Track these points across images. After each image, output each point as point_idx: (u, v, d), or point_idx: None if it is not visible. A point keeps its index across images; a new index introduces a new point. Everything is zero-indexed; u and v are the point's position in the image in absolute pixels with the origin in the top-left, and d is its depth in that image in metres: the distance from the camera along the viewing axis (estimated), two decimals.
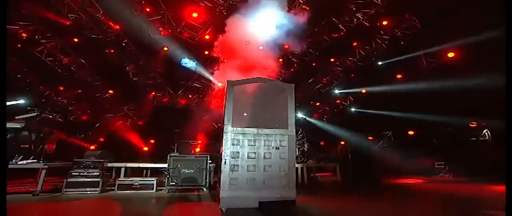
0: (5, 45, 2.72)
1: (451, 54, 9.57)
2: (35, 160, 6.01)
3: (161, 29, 9.06)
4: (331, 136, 12.92)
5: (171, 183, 6.42)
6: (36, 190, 5.71)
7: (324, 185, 7.67)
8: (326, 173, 10.80)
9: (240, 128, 4.32)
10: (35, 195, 5.63)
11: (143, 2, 7.91)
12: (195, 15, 8.32)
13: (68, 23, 8.04)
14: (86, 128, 14.13)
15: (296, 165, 7.72)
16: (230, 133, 4.26)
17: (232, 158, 4.20)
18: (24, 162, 5.88)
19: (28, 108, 6.32)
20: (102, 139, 14.97)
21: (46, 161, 6.74)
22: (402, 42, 9.63)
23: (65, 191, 5.89)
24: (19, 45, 8.59)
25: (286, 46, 11.47)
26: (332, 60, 11.58)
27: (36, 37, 8.88)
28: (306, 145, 9.05)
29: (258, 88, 4.63)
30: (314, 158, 8.60)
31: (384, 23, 9.63)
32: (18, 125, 6.05)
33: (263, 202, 4.13)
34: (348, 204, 4.86)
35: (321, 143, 13.92)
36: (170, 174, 6.48)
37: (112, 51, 9.38)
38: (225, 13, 8.62)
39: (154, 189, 6.46)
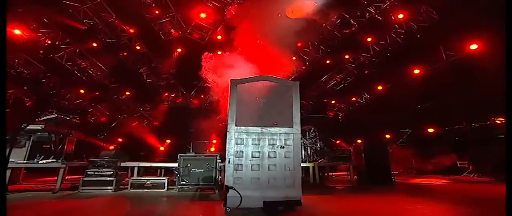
0: (5, 45, 2.82)
1: (473, 46, 8.98)
2: (55, 160, 6.32)
3: (173, 30, 9.24)
4: (347, 134, 12.58)
5: (181, 182, 6.52)
6: (55, 188, 6.00)
7: (337, 184, 7.46)
8: (342, 173, 10.54)
9: (244, 127, 4.29)
10: (54, 192, 5.92)
11: (153, 5, 8.07)
12: (203, 15, 8.40)
13: (84, 28, 8.38)
14: (105, 129, 14.77)
15: (308, 164, 7.63)
16: (233, 132, 4.24)
17: (236, 157, 4.18)
18: (44, 161, 6.20)
19: (49, 110, 6.65)
20: (120, 140, 15.57)
21: (65, 160, 7.10)
22: (418, 35, 9.16)
23: (82, 189, 6.16)
24: (41, 52, 9.08)
25: (299, 44, 11.32)
26: (345, 56, 11.24)
27: (57, 43, 9.35)
28: (319, 144, 8.86)
29: (262, 86, 4.56)
30: (326, 157, 8.40)
31: (400, 16, 9.21)
32: (38, 127, 6.39)
33: (267, 202, 4.07)
34: (356, 205, 4.68)
35: (337, 142, 13.62)
36: (181, 173, 6.59)
37: (125, 54, 9.67)
38: (233, 13, 8.63)
39: (165, 188, 6.58)
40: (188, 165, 6.67)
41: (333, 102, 14.54)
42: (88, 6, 7.87)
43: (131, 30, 9.51)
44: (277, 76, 4.70)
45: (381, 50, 10.26)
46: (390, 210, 4.26)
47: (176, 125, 14.33)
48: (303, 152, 8.23)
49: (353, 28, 9.25)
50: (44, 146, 7.00)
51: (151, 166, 7.67)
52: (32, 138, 6.84)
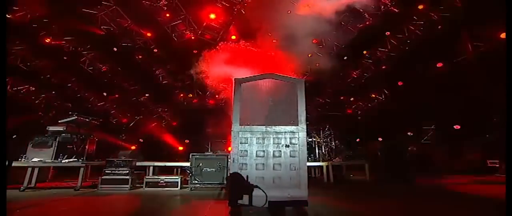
0: (5, 45, 2.95)
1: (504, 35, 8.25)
2: (76, 159, 6.70)
3: (187, 31, 9.42)
4: (365, 132, 12.13)
5: (194, 181, 6.63)
6: (77, 185, 6.36)
7: (352, 184, 7.21)
8: (360, 172, 10.16)
9: (248, 126, 4.26)
10: (76, 190, 6.28)
11: (165, 8, 8.28)
12: (212, 16, 8.49)
13: (101, 33, 8.80)
14: (125, 130, 15.44)
15: (321, 163, 7.45)
16: (237, 131, 4.22)
17: (240, 156, 4.16)
18: (66, 161, 6.59)
19: (69, 112, 7.06)
20: (142, 140, 16.20)
21: (86, 160, 7.51)
22: (439, 26, 8.57)
23: (100, 187, 6.47)
24: (65, 58, 9.66)
25: (314, 41, 11.08)
26: (361, 52, 10.82)
27: (79, 49, 9.90)
28: (334, 143, 8.61)
29: (267, 84, 4.50)
30: (341, 156, 8.15)
31: (420, 7, 8.69)
32: (60, 128, 6.81)
33: (272, 201, 4.01)
34: (368, 206, 4.48)
35: (357, 140, 13.18)
36: (193, 172, 6.70)
37: (140, 57, 10.03)
38: (243, 12, 8.63)
39: (179, 187, 6.73)
40: (200, 165, 6.76)
41: (352, 99, 14.10)
42: (104, 12, 8.24)
43: (148, 34, 9.85)
44: (282, 74, 4.60)
45: (399, 44, 9.75)
46: (403, 209, 4.04)
47: (194, 125, 14.62)
48: (317, 151, 8.04)
49: (367, 22, 8.87)
50: (68, 146, 7.47)
51: (165, 166, 7.87)
52: (57, 139, 7.31)
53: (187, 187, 6.65)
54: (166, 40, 9.57)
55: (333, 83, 11.97)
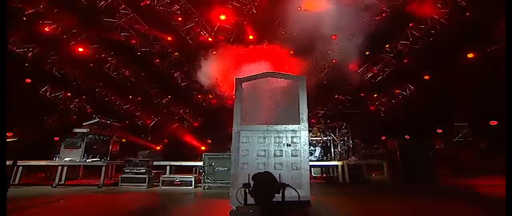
0: (5, 45, 3.07)
1: None
2: (98, 159, 7.19)
3: (202, 33, 9.66)
4: (391, 130, 11.48)
5: (206, 180, 6.77)
6: (99, 183, 6.82)
7: (370, 184, 6.88)
8: (382, 171, 9.64)
9: (249, 125, 4.24)
10: (99, 187, 6.74)
11: (178, 12, 8.56)
12: (223, 17, 8.59)
13: (122, 40, 9.33)
14: (146, 131, 16.21)
15: (336, 163, 7.21)
16: (238, 130, 4.23)
17: (241, 156, 4.16)
18: (90, 160, 7.09)
19: (93, 115, 7.61)
20: (166, 141, 16.92)
21: (110, 159, 8.03)
22: (467, 14, 7.83)
23: (121, 185, 6.87)
24: (91, 64, 10.41)
25: (334, 37, 10.75)
26: (381, 46, 10.27)
27: (103, 55, 10.60)
28: (350, 141, 8.28)
29: (268, 83, 4.45)
30: (357, 155, 7.80)
31: None
32: (84, 130, 7.34)
33: (274, 201, 3.95)
34: (374, 208, 4.25)
35: (383, 138, 12.55)
36: (205, 171, 6.85)
37: (157, 60, 10.47)
38: (254, 11, 8.63)
39: (193, 185, 6.92)
40: (213, 164, 6.89)
41: (375, 95, 13.46)
42: (123, 20, 8.74)
43: (169, 38, 10.27)
44: (284, 72, 4.52)
45: (422, 35, 9.07)
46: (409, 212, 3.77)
47: (215, 125, 14.92)
48: (332, 149, 7.79)
49: (383, 14, 8.38)
50: (94, 147, 8.04)
51: (181, 165, 8.13)
52: (85, 140, 7.89)
53: (201, 186, 6.80)
54: (181, 43, 9.89)
55: (353, 80, 11.48)
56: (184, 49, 10.30)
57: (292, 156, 4.08)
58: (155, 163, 7.78)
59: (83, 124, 7.46)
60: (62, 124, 11.62)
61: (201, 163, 7.00)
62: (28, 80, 11.50)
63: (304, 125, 4.14)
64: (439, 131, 11.76)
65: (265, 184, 3.89)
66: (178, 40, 9.83)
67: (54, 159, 7.42)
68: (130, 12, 8.72)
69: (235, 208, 4.00)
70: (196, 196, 5.62)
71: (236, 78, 4.48)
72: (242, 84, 4.43)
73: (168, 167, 7.94)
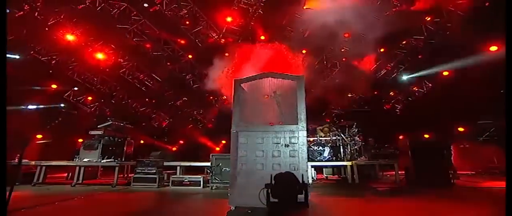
0: (5, 45, 3.07)
1: None
2: (112, 160, 7.53)
3: (210, 36, 9.84)
4: (405, 129, 11.01)
5: (214, 181, 6.87)
6: (113, 182, 7.15)
7: (381, 185, 6.64)
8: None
9: (247, 126, 4.27)
10: (113, 186, 7.06)
11: (187, 16, 8.77)
12: (229, 19, 8.69)
13: (135, 44, 9.73)
14: (167, 132, 16.72)
15: (345, 163, 7.04)
16: (237, 130, 4.27)
17: (240, 156, 4.20)
18: (104, 161, 7.45)
19: (108, 118, 7.99)
20: (181, 142, 17.36)
21: (125, 160, 8.39)
22: (486, 3, 7.33)
23: (133, 185, 7.15)
24: (107, 70, 10.94)
25: (346, 35, 10.53)
26: (393, 42, 9.88)
27: (119, 60, 11.10)
28: (361, 141, 8.04)
29: (266, 83, 4.46)
30: (366, 155, 7.55)
31: None
32: (99, 132, 7.72)
33: (272, 202, 3.95)
34: (372, 209, 4.12)
35: (400, 137, 12.07)
36: (213, 172, 6.95)
37: (169, 64, 10.79)
38: (261, 12, 8.65)
39: (201, 185, 7.04)
40: (220, 164, 6.98)
41: (391, 93, 12.99)
42: (135, 26, 9.12)
43: (181, 41, 10.58)
44: (282, 72, 4.50)
45: (437, 29, 8.62)
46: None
47: (228, 126, 15.09)
48: (341, 150, 7.60)
49: (394, 9, 8.05)
50: (110, 148, 8.44)
51: (191, 166, 8.30)
52: (101, 142, 8.31)
53: (209, 186, 6.91)
54: (192, 45, 10.13)
55: (366, 77, 11.15)
56: (195, 52, 10.54)
57: (290, 156, 4.07)
58: (166, 163, 8.01)
59: (98, 126, 7.86)
60: (84, 126, 12.33)
61: (208, 164, 7.12)
62: (54, 86, 12.32)
63: (302, 125, 4.11)
64: (461, 129, 11.11)
65: (287, 184, 3.89)
66: (188, 43, 10.08)
67: (75, 159, 7.89)
68: (141, 18, 9.06)
69: (233, 208, 4.05)
70: (201, 196, 5.73)
71: (234, 79, 4.53)
72: (241, 85, 4.47)
73: (178, 168, 8.15)
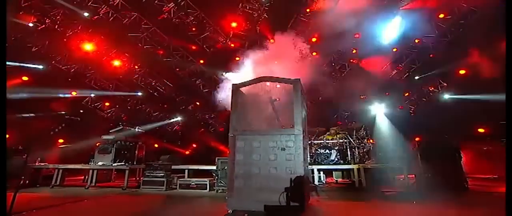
0: (5, 45, 3.17)
1: None
2: (123, 163, 7.83)
3: (223, 41, 10.04)
4: (420, 131, 10.59)
5: (219, 184, 6.95)
6: (123, 185, 7.42)
7: (390, 189, 6.43)
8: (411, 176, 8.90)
9: (244, 130, 4.32)
10: (123, 189, 7.33)
11: (195, 22, 9.01)
12: (234, 24, 8.82)
13: (146, 51, 10.12)
14: (181, 136, 17.11)
15: (352, 166, 6.90)
16: (234, 135, 4.33)
17: (237, 160, 4.25)
18: (115, 164, 7.75)
19: (119, 123, 8.34)
20: (194, 145, 17.68)
21: (136, 164, 8.68)
22: None
23: (142, 187, 7.39)
24: (121, 76, 11.42)
25: (357, 35, 10.38)
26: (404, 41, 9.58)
27: (132, 66, 11.56)
28: (369, 144, 7.84)
29: (263, 87, 4.49)
30: (373, 158, 7.34)
31: None
32: (110, 137, 8.05)
33: (268, 206, 3.97)
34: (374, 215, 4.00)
35: (417, 139, 11.63)
36: (219, 175, 7.04)
37: (177, 69, 11.09)
38: (266, 16, 8.73)
39: (208, 189, 7.14)
40: (225, 168, 7.04)
41: (406, 94, 12.57)
42: (145, 34, 9.49)
43: (193, 47, 10.84)
44: (278, 77, 4.52)
45: (449, 26, 8.26)
46: None
47: None
48: (348, 153, 7.43)
49: (400, 8, 7.82)
50: (122, 152, 8.77)
51: (198, 169, 8.43)
52: (114, 146, 8.65)
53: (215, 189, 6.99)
54: (199, 51, 10.38)
55: (376, 79, 10.88)
56: (204, 57, 10.78)
57: (286, 160, 4.06)
58: (175, 167, 8.20)
59: (109, 131, 8.20)
60: (102, 131, 12.93)
61: (212, 167, 7.22)
62: (74, 93, 13.03)
63: (298, 128, 4.10)
64: (482, 130, 10.52)
65: (298, 186, 3.94)
66: (197, 49, 10.33)
67: (90, 163, 8.27)
68: (151, 26, 9.42)
69: (231, 211, 4.09)
70: (205, 199, 5.81)
71: (233, 84, 4.60)
72: (239, 89, 4.54)
73: (186, 171, 8.32)
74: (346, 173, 8.31)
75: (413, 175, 6.44)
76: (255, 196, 4.03)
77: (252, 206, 4.00)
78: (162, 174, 7.41)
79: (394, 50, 10.56)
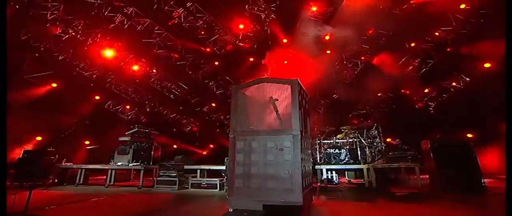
0: (5, 45, 3.06)
1: None
2: (138, 163, 8.23)
3: (231, 42, 10.25)
4: (438, 129, 10.07)
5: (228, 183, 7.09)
6: (139, 184, 7.80)
7: (402, 190, 6.22)
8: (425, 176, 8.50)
9: (243, 130, 4.41)
10: (139, 188, 7.71)
11: (204, 26, 9.28)
12: (241, 26, 8.94)
13: (160, 56, 10.57)
14: (197, 137, 17.56)
15: (361, 166, 6.75)
16: (234, 135, 4.43)
17: (237, 160, 4.35)
18: (131, 164, 8.17)
19: (134, 125, 8.78)
20: (212, 146, 18.07)
21: (152, 164, 9.07)
22: None
23: (156, 187, 7.73)
24: (137, 81, 12.00)
25: (370, 31, 10.14)
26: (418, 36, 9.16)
27: (148, 70, 12.10)
28: (381, 143, 7.60)
29: (262, 89, 4.55)
30: (384, 158, 7.09)
31: None
32: (126, 138, 8.49)
33: (267, 205, 4.03)
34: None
35: (438, 136, 11.08)
36: (227, 175, 7.18)
37: (190, 72, 11.44)
38: (273, 16, 8.76)
39: (218, 188, 7.31)
40: None
41: (426, 91, 12.00)
42: (158, 39, 9.92)
43: (207, 49, 11.16)
44: (276, 78, 4.55)
45: (468, 17, 7.77)
46: None
47: None
48: (358, 152, 7.25)
49: (412, 1, 7.48)
50: (139, 153, 9.21)
51: (210, 169, 8.65)
52: (132, 147, 9.12)
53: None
54: (210, 54, 10.64)
55: (391, 75, 10.50)
56: (215, 59, 11.03)
57: (283, 160, 4.09)
58: (187, 167, 8.48)
59: (125, 133, 8.65)
60: (123, 133, 13.68)
61: (222, 167, 7.38)
62: (98, 97, 13.87)
63: (295, 128, 4.11)
64: None
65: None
66: (208, 51, 10.60)
67: (110, 163, 8.78)
68: (163, 32, 9.82)
69: (231, 210, 4.20)
70: (213, 198, 5.98)
71: (233, 86, 4.70)
72: (238, 91, 4.64)
73: (198, 171, 8.57)
74: (359, 173, 8.13)
75: (427, 175, 6.18)
76: (255, 195, 4.11)
77: (252, 205, 4.07)
78: (175, 174, 7.69)
79: (412, 45, 10.16)
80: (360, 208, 4.50)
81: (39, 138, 11.89)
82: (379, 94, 12.54)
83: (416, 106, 11.61)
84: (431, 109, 11.14)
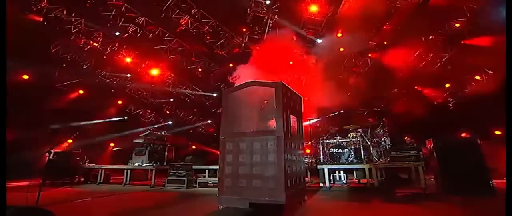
0: (5, 45, 3.08)
1: None
2: (151, 164, 8.77)
3: (237, 45, 10.53)
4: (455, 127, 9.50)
5: None
6: (151, 183, 8.32)
7: (406, 191, 6.04)
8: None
9: (232, 132, 4.62)
10: (151, 187, 8.23)
11: (210, 31, 9.63)
12: (244, 30, 9.15)
13: (172, 60, 11.15)
14: (215, 138, 18.10)
15: (363, 166, 6.64)
16: (224, 137, 4.65)
17: (227, 161, 4.57)
18: (144, 164, 8.73)
19: (147, 128, 9.39)
20: None
21: (166, 164, 9.58)
22: None
23: (167, 185, 8.19)
24: (153, 85, 12.71)
25: (386, 27, 9.86)
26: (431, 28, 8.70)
27: (163, 75, 12.77)
28: (387, 142, 7.38)
29: (250, 92, 4.72)
30: (387, 157, 6.85)
31: None
32: (140, 140, 9.08)
33: (253, 203, 4.20)
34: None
35: (463, 133, 10.45)
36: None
37: (200, 76, 11.88)
38: (277, 18, 8.87)
39: None
40: None
41: (447, 85, 11.34)
42: (168, 46, 10.47)
43: (213, 54, 11.57)
44: (263, 80, 4.70)
45: (483, 6, 7.26)
46: None
47: None
48: (361, 151, 7.08)
49: None
50: (154, 154, 9.79)
51: (217, 169, 8.93)
52: (148, 148, 9.72)
53: None
54: (218, 56, 11.00)
55: (402, 72, 10.09)
56: (224, 62, 11.38)
57: (267, 160, 4.23)
58: (196, 167, 8.86)
59: (139, 135, 9.25)
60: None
61: None
62: (120, 101, 14.90)
63: (279, 130, 4.23)
64: None
65: None
66: (217, 55, 10.96)
67: (128, 163, 9.44)
68: (174, 38, 10.34)
69: (221, 207, 4.43)
70: (213, 196, 6.25)
71: (223, 90, 4.93)
72: (228, 95, 4.85)
73: (206, 171, 8.92)
74: (369, 172, 7.94)
75: (432, 176, 5.92)
76: (242, 194, 4.29)
77: (240, 204, 4.26)
78: (184, 174, 8.10)
79: (430, 37, 9.66)
80: (349, 209, 4.50)
81: (70, 141, 13.10)
82: (395, 90, 12.09)
83: (435, 103, 11.02)
84: (450, 105, 10.51)
